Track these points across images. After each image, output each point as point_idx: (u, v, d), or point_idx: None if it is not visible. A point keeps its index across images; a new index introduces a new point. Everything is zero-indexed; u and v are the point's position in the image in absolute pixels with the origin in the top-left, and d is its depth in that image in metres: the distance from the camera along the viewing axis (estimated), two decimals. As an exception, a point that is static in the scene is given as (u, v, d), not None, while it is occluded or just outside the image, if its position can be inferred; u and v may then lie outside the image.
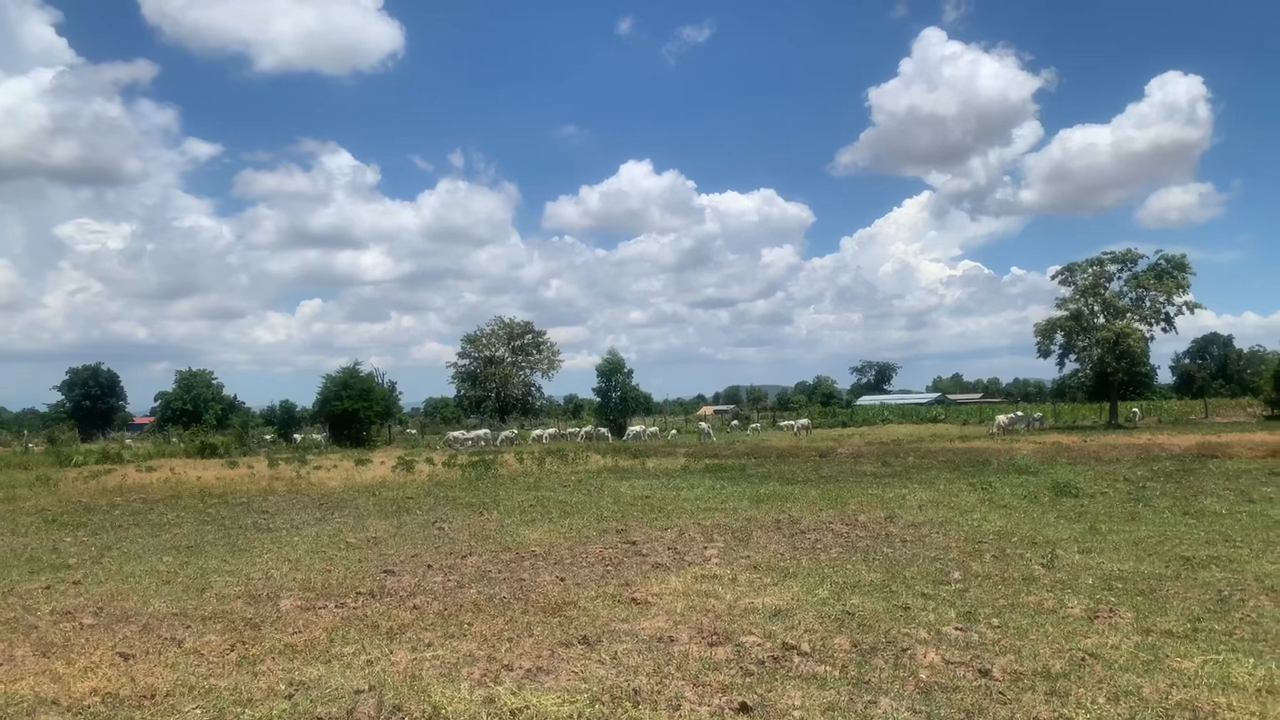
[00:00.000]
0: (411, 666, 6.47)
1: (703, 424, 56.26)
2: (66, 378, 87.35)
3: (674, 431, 58.14)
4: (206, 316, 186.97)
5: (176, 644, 7.35)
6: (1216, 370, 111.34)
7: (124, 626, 8.05)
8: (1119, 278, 52.52)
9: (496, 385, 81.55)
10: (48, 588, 10.06)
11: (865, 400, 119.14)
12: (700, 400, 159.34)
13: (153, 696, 5.93)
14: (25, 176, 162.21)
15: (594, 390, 62.65)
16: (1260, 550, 10.62)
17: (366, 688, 5.96)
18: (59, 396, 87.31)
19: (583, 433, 52.83)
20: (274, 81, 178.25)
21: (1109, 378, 54.31)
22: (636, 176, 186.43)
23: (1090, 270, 52.63)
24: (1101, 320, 52.00)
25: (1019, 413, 55.30)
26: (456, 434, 49.61)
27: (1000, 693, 5.70)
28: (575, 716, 5.37)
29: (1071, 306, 52.89)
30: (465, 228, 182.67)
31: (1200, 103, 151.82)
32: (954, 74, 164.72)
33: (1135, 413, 57.32)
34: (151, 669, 6.58)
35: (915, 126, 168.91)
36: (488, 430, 53.43)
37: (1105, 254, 52.80)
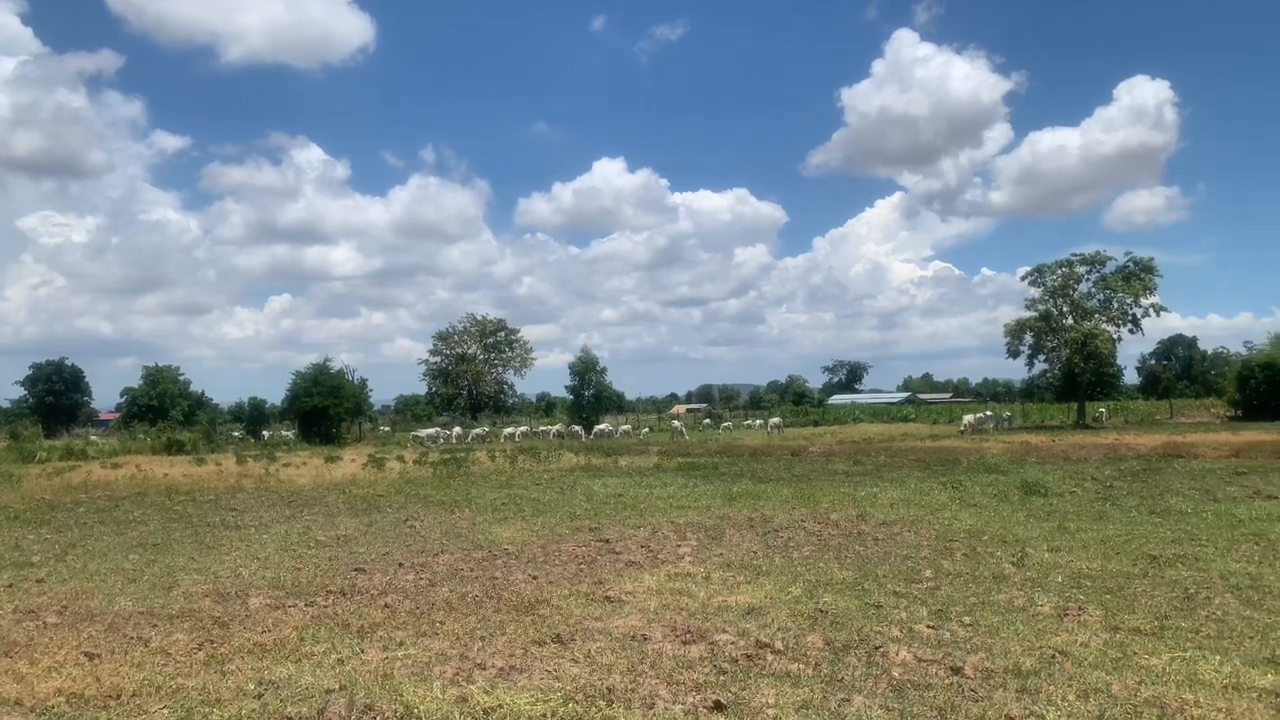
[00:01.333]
0: (383, 665, 6.41)
1: (675, 422, 56.41)
2: (30, 373, 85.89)
3: (646, 430, 58.21)
4: (173, 311, 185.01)
5: (143, 643, 7.23)
6: (1181, 371, 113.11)
7: (89, 625, 7.91)
8: (1088, 279, 53.30)
9: (469, 383, 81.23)
10: (10, 586, 9.87)
11: (837, 399, 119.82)
12: (673, 399, 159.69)
13: (119, 697, 5.83)
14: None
15: (567, 388, 62.78)
16: (1225, 549, 10.78)
17: (337, 687, 5.89)
18: (22, 392, 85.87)
19: (554, 431, 52.77)
20: (242, 74, 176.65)
21: (1077, 378, 55.05)
22: (610, 174, 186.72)
23: (1059, 272, 53.31)
24: (1070, 321, 52.71)
25: (988, 412, 55.92)
26: (427, 431, 49.26)
27: (972, 690, 5.73)
28: (549, 715, 5.34)
29: (1041, 307, 53.56)
30: (436, 224, 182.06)
31: (1167, 106, 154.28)
32: (926, 75, 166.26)
33: (1102, 413, 58.15)
34: (117, 668, 6.47)
35: (887, 127, 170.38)
36: (458, 428, 53.17)
37: (1074, 256, 53.58)
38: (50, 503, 18.75)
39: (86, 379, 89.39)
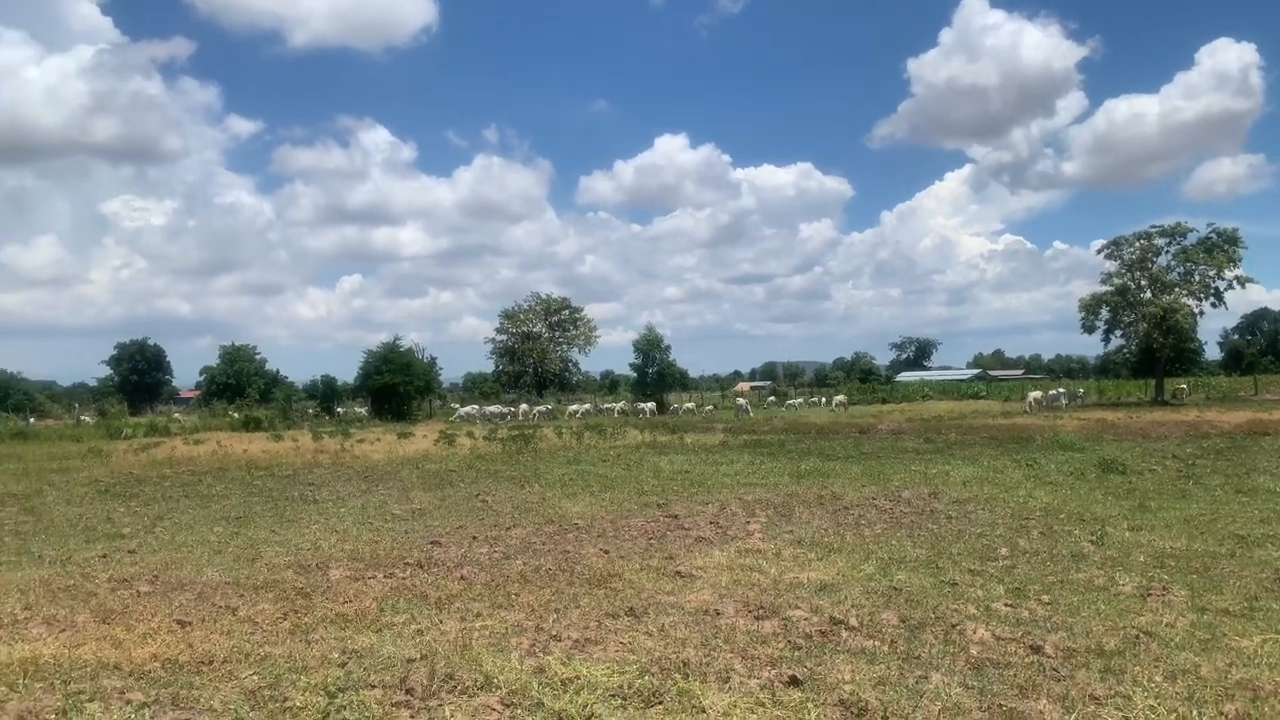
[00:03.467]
0: (461, 636, 6.53)
1: (740, 400, 56.19)
2: (115, 352, 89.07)
3: (709, 407, 58.09)
4: (248, 292, 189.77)
5: (231, 612, 7.49)
6: (1267, 346, 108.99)
7: (179, 594, 8.22)
8: (1167, 252, 51.57)
9: (534, 361, 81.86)
10: (104, 556, 10.29)
11: (905, 376, 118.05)
12: (737, 376, 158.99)
13: (210, 662, 6.04)
14: (70, 154, 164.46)
15: (631, 366, 62.85)
16: (1317, 529, 10.39)
17: (418, 656, 6.03)
18: (108, 371, 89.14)
19: (618, 408, 53.03)
20: (309, 58, 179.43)
21: (1155, 354, 53.42)
22: (671, 150, 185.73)
23: (1137, 244, 51.69)
24: (1148, 295, 51.09)
25: (1061, 389, 54.54)
26: (468, 409, 49.10)
27: (1054, 669, 5.63)
28: (625, 687, 5.39)
29: (1117, 281, 52.04)
30: (500, 203, 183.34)
31: (1252, 70, 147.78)
32: (996, 44, 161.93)
33: (1183, 389, 56.31)
34: (208, 636, 6.71)
35: (955, 98, 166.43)
36: (525, 405, 53.59)
37: (1153, 228, 51.84)
38: (137, 477, 19.47)
39: (168, 358, 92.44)
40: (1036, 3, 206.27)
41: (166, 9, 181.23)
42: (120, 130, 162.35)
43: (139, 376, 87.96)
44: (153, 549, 10.71)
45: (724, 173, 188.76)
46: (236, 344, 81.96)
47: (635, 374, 62.56)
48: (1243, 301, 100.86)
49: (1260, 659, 5.78)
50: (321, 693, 5.41)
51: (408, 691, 5.38)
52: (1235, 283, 50.05)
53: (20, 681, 5.72)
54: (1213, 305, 51.03)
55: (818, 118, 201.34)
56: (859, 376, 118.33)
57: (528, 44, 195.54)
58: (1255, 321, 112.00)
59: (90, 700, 5.39)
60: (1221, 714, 4.92)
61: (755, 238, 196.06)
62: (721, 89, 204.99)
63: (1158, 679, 5.43)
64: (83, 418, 54.88)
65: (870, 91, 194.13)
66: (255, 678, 5.72)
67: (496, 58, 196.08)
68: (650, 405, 51.98)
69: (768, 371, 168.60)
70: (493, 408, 51.37)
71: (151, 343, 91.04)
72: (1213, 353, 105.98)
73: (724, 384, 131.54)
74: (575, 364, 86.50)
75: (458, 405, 63.56)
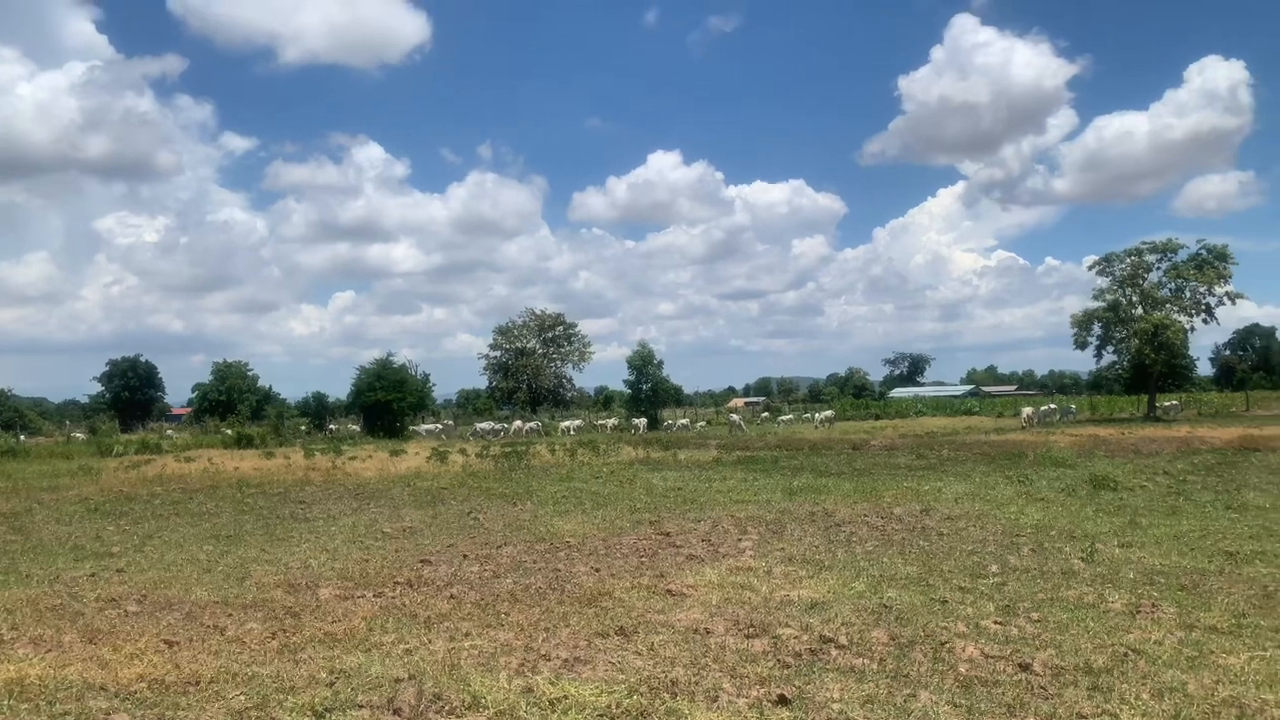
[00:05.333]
0: (450, 656, 6.52)
1: (734, 415, 56.21)
2: (106, 369, 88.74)
3: (702, 423, 58.04)
4: (241, 309, 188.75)
5: (219, 632, 7.46)
6: (1258, 362, 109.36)
7: (167, 614, 8.18)
8: (1158, 268, 51.85)
9: (528, 377, 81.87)
10: (92, 575, 10.24)
11: (898, 392, 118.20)
12: (731, 392, 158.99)
13: (198, 683, 6.02)
14: (62, 170, 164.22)
15: (625, 382, 62.82)
16: (1306, 545, 10.42)
17: (406, 676, 6.01)
18: (99, 387, 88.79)
19: (611, 424, 52.98)
20: (302, 75, 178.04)
21: (1147, 369, 53.56)
22: (664, 167, 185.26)
23: (1128, 260, 51.97)
24: (1140, 311, 51.33)
25: (1051, 405, 54.65)
26: (428, 426, 47.97)
27: (1042, 687, 5.64)
28: (614, 707, 5.38)
29: (1109, 297, 52.29)
30: (494, 220, 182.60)
31: (1241, 88, 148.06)
32: (986, 61, 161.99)
33: (1174, 404, 56.48)
34: (195, 656, 6.68)
35: (947, 115, 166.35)
36: (518, 422, 53.49)
37: (1144, 244, 52.17)
38: (127, 495, 19.38)
39: (160, 375, 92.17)
40: (1027, 20, 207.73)
41: (160, 26, 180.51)
42: (113, 147, 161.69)
43: (130, 393, 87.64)
44: (141, 568, 10.67)
45: (717, 189, 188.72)
46: (229, 360, 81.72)
47: (629, 390, 62.50)
48: (1234, 318, 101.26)
49: (1247, 676, 5.79)
50: (309, 713, 5.39)
51: (395, 712, 5.36)
52: (1226, 299, 50.37)
53: (5, 702, 5.69)
54: (1204, 321, 51.33)
55: (810, 135, 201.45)
56: (852, 392, 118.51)
57: (521, 61, 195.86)
58: (1246, 337, 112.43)
59: (75, 722, 5.36)
60: (1208, 732, 4.93)
61: (749, 254, 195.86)
62: (714, 106, 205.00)
63: (1145, 697, 5.44)
64: (74, 434, 54.64)
65: (862, 109, 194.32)
66: (243, 698, 5.70)
67: (490, 74, 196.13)
68: (642, 421, 51.94)
69: (762, 387, 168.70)
70: (485, 424, 51.24)
71: (143, 359, 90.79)
72: (1205, 369, 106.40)
73: (718, 400, 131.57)
74: (569, 380, 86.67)
75: (450, 422, 63.47)
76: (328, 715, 5.36)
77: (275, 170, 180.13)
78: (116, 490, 20.35)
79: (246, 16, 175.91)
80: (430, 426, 47.97)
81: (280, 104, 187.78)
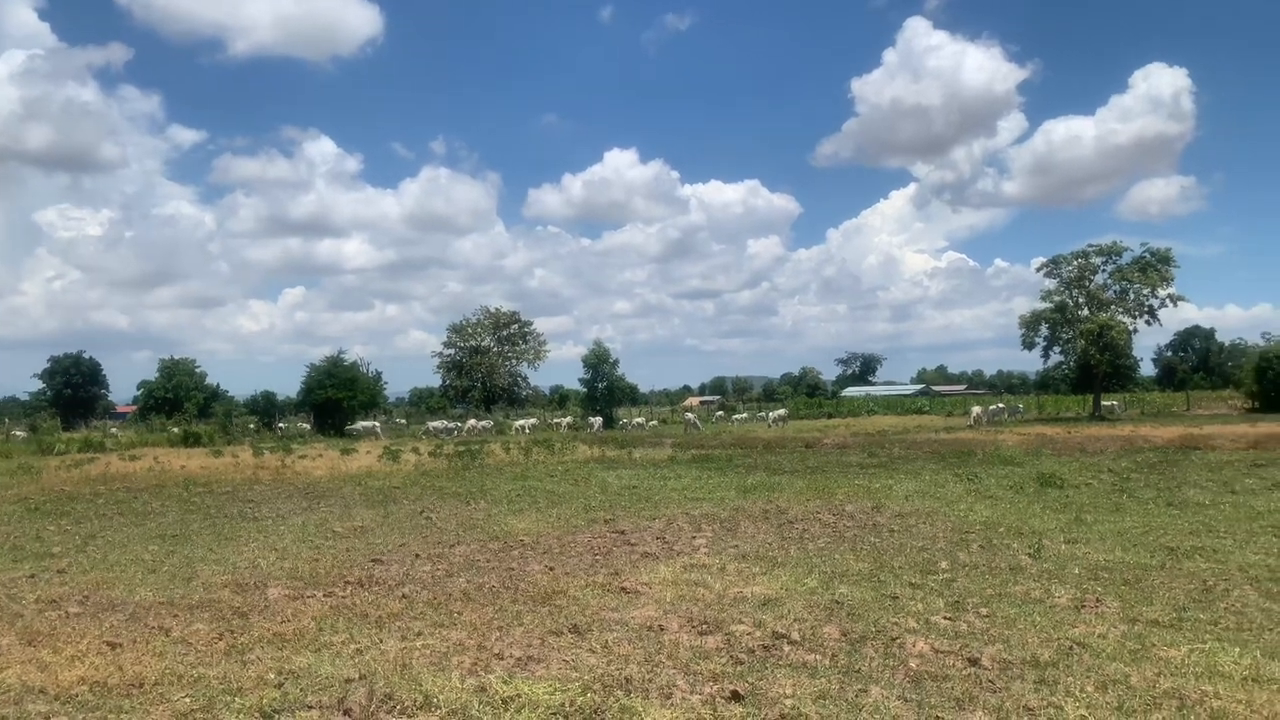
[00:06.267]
0: (401, 655, 6.45)
1: (689, 414, 56.37)
2: (48, 365, 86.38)
3: (653, 421, 58.10)
4: (188, 305, 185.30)
5: (164, 633, 7.31)
6: (1198, 363, 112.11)
7: (110, 615, 8.00)
8: (1103, 270, 52.97)
9: (482, 375, 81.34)
10: (32, 576, 9.98)
11: (850, 391, 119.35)
12: (686, 391, 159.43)
13: (141, 685, 5.89)
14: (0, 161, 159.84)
15: (580, 381, 62.73)
16: (1244, 541, 10.72)
17: (357, 676, 5.94)
18: (40, 384, 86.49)
19: (565, 423, 52.89)
20: (252, 67, 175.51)
21: (1092, 370, 54.69)
22: (620, 165, 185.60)
23: (1075, 263, 53.04)
24: (1086, 313, 52.40)
25: (999, 404, 55.58)
26: (365, 424, 46.57)
27: (990, 681, 5.73)
28: (567, 705, 5.36)
29: (1056, 299, 53.31)
30: (448, 216, 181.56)
31: (1184, 95, 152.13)
32: (938, 64, 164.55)
33: (1114, 404, 57.72)
34: (139, 658, 6.53)
35: (899, 117, 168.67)
36: (473, 420, 53.12)
37: (1090, 246, 53.28)
38: (69, 494, 18.92)
39: (104, 372, 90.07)
40: (978, 24, 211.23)
41: (104, 15, 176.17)
42: (54, 138, 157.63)
43: (73, 390, 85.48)
44: (84, 568, 10.41)
45: (673, 188, 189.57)
46: (175, 357, 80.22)
47: (585, 389, 62.43)
48: (1175, 319, 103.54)
49: (1187, 669, 5.93)
50: (257, 715, 5.30)
51: (345, 713, 5.30)
52: (1168, 301, 51.61)
53: (-61, 708, 5.53)
54: (1146, 323, 52.59)
55: (765, 136, 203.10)
56: (806, 391, 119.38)
57: (476, 56, 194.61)
58: (1187, 339, 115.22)
59: (13, 726, 5.22)
60: (1150, 723, 5.04)
61: (704, 253, 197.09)
62: (670, 105, 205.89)
63: (1089, 689, 5.55)
64: (13, 433, 53.19)
65: (816, 110, 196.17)
66: (188, 700, 5.59)
67: (444, 69, 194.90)
68: (598, 420, 51.92)
69: (717, 386, 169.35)
70: (437, 423, 50.83)
71: (87, 356, 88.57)
72: (1147, 370, 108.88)
73: (673, 399, 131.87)
74: (524, 378, 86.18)
75: (403, 421, 62.85)
76: (276, 717, 5.27)
77: (224, 164, 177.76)
78: (58, 490, 19.87)
79: (194, 7, 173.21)
80: (366, 424, 46.97)
81: (229, 96, 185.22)
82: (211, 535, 12.86)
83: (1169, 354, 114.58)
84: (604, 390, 60.45)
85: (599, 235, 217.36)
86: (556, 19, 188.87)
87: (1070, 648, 6.41)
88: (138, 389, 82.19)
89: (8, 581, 9.71)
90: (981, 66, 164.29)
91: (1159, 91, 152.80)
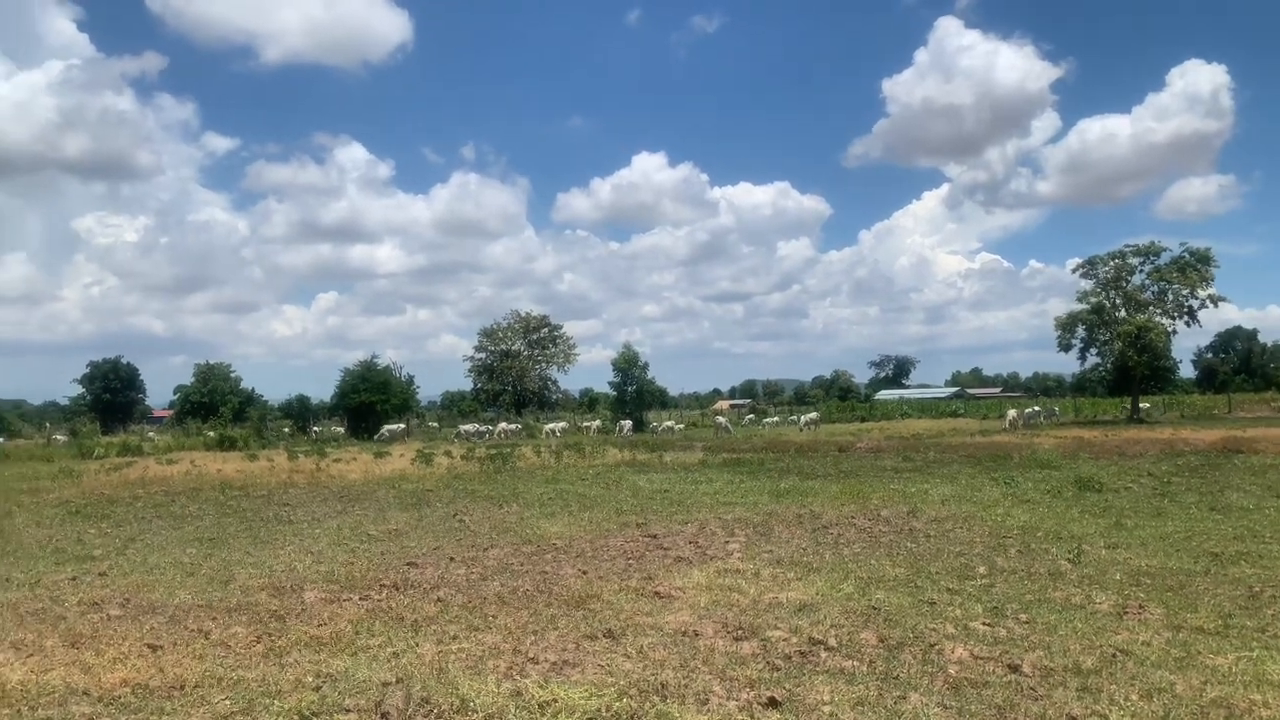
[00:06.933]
0: (437, 659, 6.47)
1: (720, 418, 56.24)
2: (87, 371, 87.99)
3: (680, 425, 57.70)
4: (223, 310, 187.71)
5: (203, 635, 7.38)
6: (1240, 364, 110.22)
7: (151, 618, 8.09)
8: (1141, 271, 52.10)
9: (513, 379, 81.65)
10: (74, 579, 10.13)
11: (883, 395, 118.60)
12: (716, 394, 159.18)
13: (182, 687, 5.95)
14: (39, 170, 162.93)
15: (610, 384, 62.76)
16: (1290, 546, 10.49)
17: (394, 680, 5.96)
18: (79, 389, 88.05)
19: (595, 427, 52.94)
20: (283, 74, 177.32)
21: (1130, 372, 53.82)
22: (649, 168, 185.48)
23: (1112, 263, 52.25)
24: (1123, 314, 51.61)
25: (1036, 407, 54.91)
26: (388, 428, 46.05)
27: (1031, 688, 5.64)
28: (603, 710, 5.35)
29: (1093, 300, 52.53)
30: (478, 221, 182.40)
31: (1223, 92, 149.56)
32: (970, 64, 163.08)
33: (1144, 407, 56.75)
34: (180, 660, 6.60)
35: (930, 117, 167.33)
36: (504, 424, 53.27)
37: (1127, 247, 52.44)
38: (109, 497, 19.20)
39: (141, 377, 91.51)
40: (1011, 23, 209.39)
41: (139, 24, 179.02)
42: (92, 146, 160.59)
43: (112, 395, 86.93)
44: (124, 571, 10.55)
45: (702, 191, 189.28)
46: (211, 362, 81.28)
47: (614, 392, 62.45)
48: (1215, 320, 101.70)
49: (1235, 677, 5.81)
50: (295, 717, 5.34)
51: (383, 716, 5.32)
52: (1208, 301, 50.66)
53: (-15, 708, 5.61)
54: (1186, 324, 51.59)
55: (795, 137, 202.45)
56: (838, 395, 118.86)
57: (504, 61, 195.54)
58: (1228, 340, 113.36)
59: (57, 727, 5.29)
60: (1198, 733, 4.93)
61: (734, 256, 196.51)
62: (699, 108, 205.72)
63: (1134, 697, 5.45)
64: (54, 437, 54.12)
65: (846, 111, 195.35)
66: (227, 703, 5.63)
67: (473, 74, 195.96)
68: (627, 424, 51.90)
69: (747, 389, 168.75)
70: (468, 426, 51.05)
71: (125, 361, 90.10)
72: (1187, 371, 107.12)
73: (703, 402, 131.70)
74: (554, 382, 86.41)
75: (435, 424, 63.17)
76: (314, 719, 5.30)
77: (257, 170, 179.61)
78: (98, 493, 20.17)
79: (226, 15, 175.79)
80: (392, 427, 46.95)
81: (262, 103, 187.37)
82: (248, 538, 13.00)
83: (1209, 356, 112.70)
84: (634, 394, 60.41)
85: (628, 238, 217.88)
86: (584, 22, 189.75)
87: (1113, 655, 6.30)
88: (174, 393, 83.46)
89: (51, 584, 9.86)
90: (1014, 65, 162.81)
91: (1197, 89, 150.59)
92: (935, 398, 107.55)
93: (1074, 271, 54.38)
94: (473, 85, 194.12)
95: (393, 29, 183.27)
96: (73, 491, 20.67)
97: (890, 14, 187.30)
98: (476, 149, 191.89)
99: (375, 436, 43.73)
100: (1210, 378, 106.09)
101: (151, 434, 56.92)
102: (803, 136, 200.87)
